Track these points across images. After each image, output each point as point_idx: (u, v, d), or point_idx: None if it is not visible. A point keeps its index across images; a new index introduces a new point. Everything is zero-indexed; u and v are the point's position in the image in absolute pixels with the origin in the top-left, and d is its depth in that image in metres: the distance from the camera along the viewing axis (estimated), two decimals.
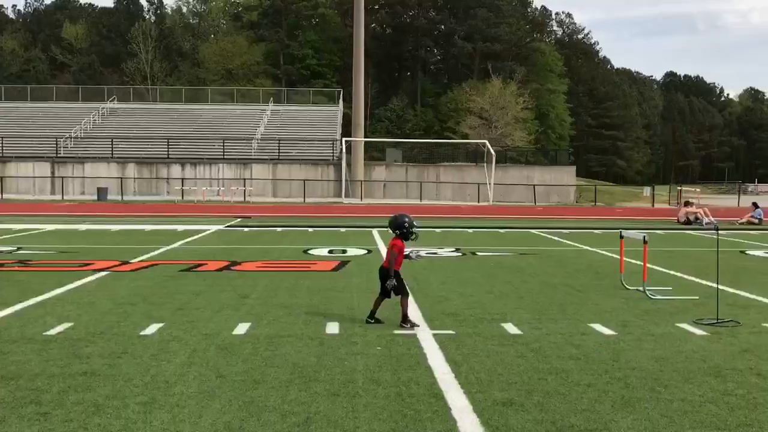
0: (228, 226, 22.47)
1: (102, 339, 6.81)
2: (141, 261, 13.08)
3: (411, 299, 8.92)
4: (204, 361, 6.04)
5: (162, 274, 11.40)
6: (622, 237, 10.93)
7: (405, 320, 7.43)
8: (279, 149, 49.12)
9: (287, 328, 7.40)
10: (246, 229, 21.56)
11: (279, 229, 21.52)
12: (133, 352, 6.30)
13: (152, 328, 7.30)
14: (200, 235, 18.90)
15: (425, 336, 7.06)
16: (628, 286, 10.25)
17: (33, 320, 7.67)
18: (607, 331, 7.39)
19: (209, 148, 50.25)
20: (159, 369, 5.76)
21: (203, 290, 9.75)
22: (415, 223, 7.74)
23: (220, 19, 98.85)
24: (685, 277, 11.70)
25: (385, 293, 7.57)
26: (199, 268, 12.15)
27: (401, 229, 7.63)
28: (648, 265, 10.99)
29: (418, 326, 7.47)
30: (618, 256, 11.32)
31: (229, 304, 8.77)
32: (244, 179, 45.97)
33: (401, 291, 7.49)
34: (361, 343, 6.71)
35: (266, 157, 48.89)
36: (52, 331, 7.11)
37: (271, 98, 63.55)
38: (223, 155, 48.55)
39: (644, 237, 9.84)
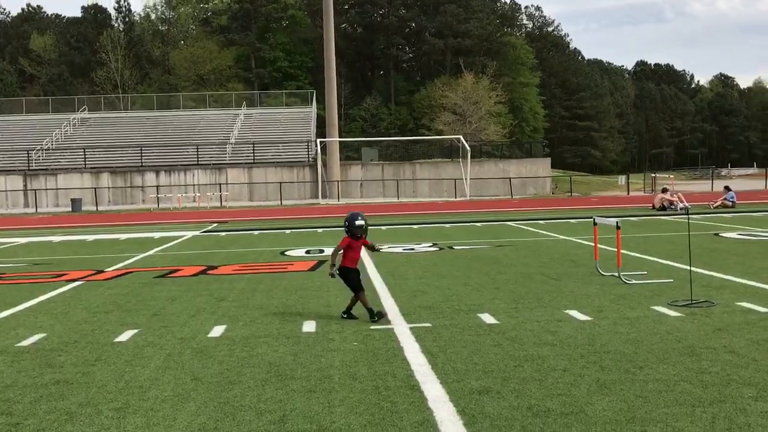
0: (204, 232, 22.33)
1: (75, 348, 6.73)
2: (116, 270, 12.96)
3: (388, 294, 8.96)
4: (179, 364, 5.99)
5: (137, 281, 11.30)
6: (595, 224, 11.00)
7: (371, 315, 7.48)
8: (254, 153, 48.90)
9: (263, 328, 7.36)
10: (223, 233, 21.45)
11: (256, 232, 21.43)
12: (107, 359, 6.23)
13: (127, 335, 7.23)
14: (176, 242, 18.77)
15: (402, 330, 7.05)
16: (603, 273, 10.31)
17: (5, 332, 7.57)
18: (582, 317, 7.42)
19: (183, 155, 49.91)
20: (133, 374, 5.71)
21: (178, 295, 9.68)
22: (357, 221, 7.71)
23: (189, 24, 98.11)
24: (660, 261, 11.79)
25: (354, 290, 7.65)
26: (174, 274, 12.06)
27: (345, 227, 7.78)
28: (623, 251, 11.08)
29: (385, 315, 7.59)
30: (593, 244, 11.39)
31: (205, 308, 8.71)
32: (220, 184, 45.72)
33: (355, 287, 7.61)
34: (337, 340, 6.69)
35: (241, 161, 48.65)
36: (25, 342, 7.02)
37: (244, 102, 63.23)
38: (198, 161, 48.24)
39: (617, 223, 9.91)
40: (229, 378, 5.51)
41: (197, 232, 21.98)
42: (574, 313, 7.62)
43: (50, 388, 5.40)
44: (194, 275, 11.87)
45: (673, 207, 25.83)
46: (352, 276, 7.67)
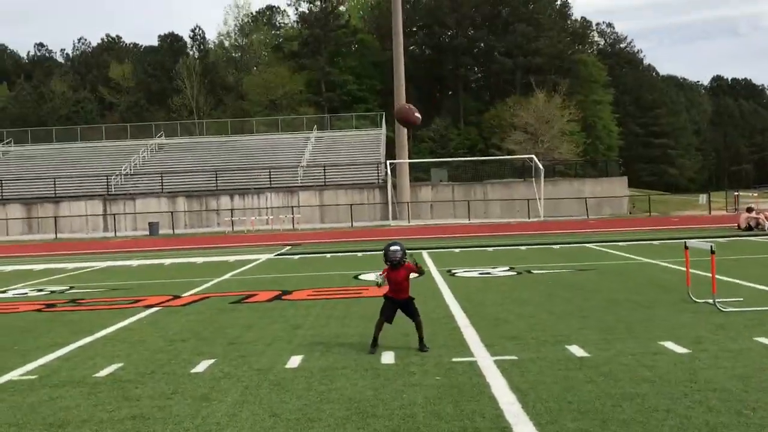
0: (278, 255, 22.37)
1: (152, 379, 6.61)
2: (192, 294, 12.97)
3: (467, 322, 8.67)
4: (257, 398, 5.78)
5: (213, 307, 11.24)
6: (686, 248, 10.40)
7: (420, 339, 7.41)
8: (325, 175, 49.21)
9: (341, 359, 7.11)
10: (296, 256, 21.43)
11: (328, 255, 21.34)
12: (183, 392, 6.08)
13: (203, 365, 7.09)
14: (251, 265, 18.81)
15: (486, 363, 6.69)
16: (696, 299, 9.72)
17: (83, 361, 7.53)
18: (680, 349, 6.93)
19: (256, 178, 50.60)
20: (210, 409, 5.52)
21: (254, 322, 9.55)
22: (392, 250, 7.41)
23: (261, 50, 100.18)
24: (756, 286, 11.09)
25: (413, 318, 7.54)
26: (250, 299, 11.98)
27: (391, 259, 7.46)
28: (717, 276, 10.45)
29: (374, 352, 7.29)
30: (681, 268, 10.79)
31: (281, 336, 8.53)
32: (292, 207, 46.11)
33: (383, 313, 7.51)
34: (418, 373, 6.38)
35: (312, 183, 49.01)
36: (102, 373, 6.95)
37: (315, 125, 63.87)
38: (270, 184, 48.82)
39: (711, 247, 9.32)
40: (309, 415, 5.26)
41: (271, 255, 22.03)
42: (671, 345, 7.12)
43: (126, 423, 5.26)
44: (269, 300, 11.76)
45: (760, 227, 24.66)
46: (385, 306, 7.53)
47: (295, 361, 7.12)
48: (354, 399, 5.63)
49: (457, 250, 21.35)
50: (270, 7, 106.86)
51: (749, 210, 26.79)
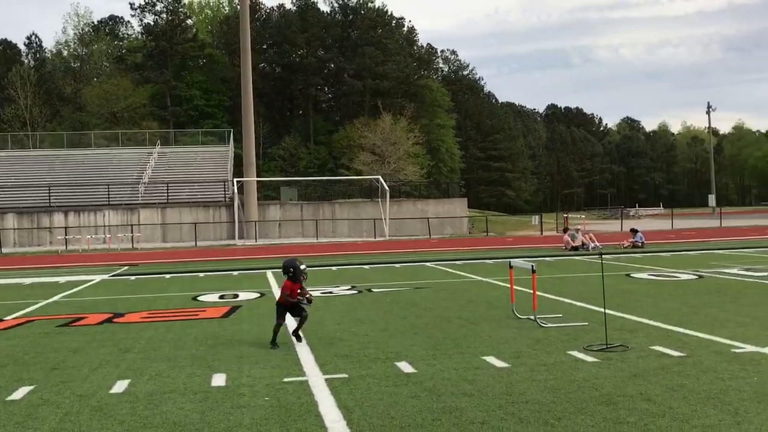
0: (114, 275, 21.47)
1: None
2: (16, 318, 12.21)
3: (303, 342, 8.76)
4: (76, 426, 5.56)
5: (38, 331, 10.65)
6: (511, 267, 11.03)
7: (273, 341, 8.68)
8: (167, 192, 47.77)
9: (170, 382, 6.97)
10: (133, 277, 20.66)
11: (168, 276, 20.72)
12: None
13: (21, 392, 6.72)
14: (83, 287, 17.94)
15: (317, 382, 6.79)
16: (519, 316, 10.32)
17: None
18: (500, 364, 7.34)
19: (94, 194, 48.29)
20: None
21: (81, 346, 9.15)
22: (301, 265, 8.85)
23: (102, 61, 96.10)
24: (575, 303, 11.91)
25: (298, 316, 8.81)
26: (78, 323, 11.44)
27: (287, 272, 8.82)
28: (538, 292, 11.15)
29: (278, 347, 8.52)
30: (509, 285, 11.41)
31: (109, 360, 8.23)
32: (132, 225, 44.34)
33: (279, 317, 8.77)
34: (248, 395, 6.37)
35: (154, 201, 47.40)
36: None
37: (158, 140, 61.95)
38: (109, 201, 46.75)
39: (532, 266, 9.94)
40: None
41: (106, 276, 21.11)
42: (492, 360, 7.53)
43: None
44: (100, 323, 11.29)
45: (585, 247, 26.46)
46: (282, 311, 8.82)
47: (121, 385, 6.90)
48: (179, 423, 5.54)
49: None
50: (113, 17, 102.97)
51: (565, 230, 29.05)
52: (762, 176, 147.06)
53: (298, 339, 8.80)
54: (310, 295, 8.92)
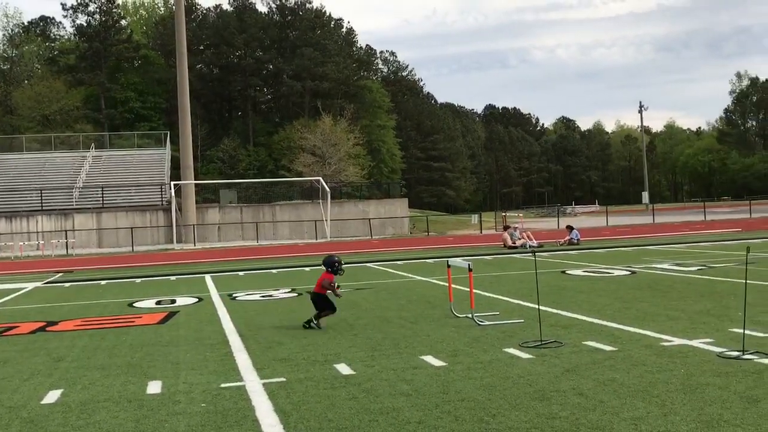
0: (47, 283, 20.91)
1: None
2: None
3: (242, 347, 8.71)
4: None
5: None
6: (449, 266, 11.15)
7: (317, 318, 10.03)
8: (103, 196, 46.75)
9: (104, 391, 6.84)
10: (67, 284, 20.16)
11: (103, 282, 20.30)
12: None
13: None
14: (14, 295, 17.42)
15: (254, 387, 6.75)
16: (458, 314, 10.44)
17: None
18: (437, 363, 7.42)
19: (26, 200, 46.95)
20: None
21: (12, 357, 8.90)
22: (341, 261, 10.37)
23: (33, 63, 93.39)
24: (512, 300, 12.11)
25: (321, 310, 10.04)
26: (9, 332, 11.12)
27: (331, 266, 10.12)
28: (476, 291, 11.32)
29: (323, 328, 9.82)
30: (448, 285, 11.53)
31: (41, 369, 8.03)
32: (66, 231, 43.24)
33: (329, 307, 10.07)
34: (184, 402, 6.30)
35: (89, 205, 46.31)
36: None
37: (93, 143, 60.52)
38: (42, 206, 45.51)
39: (468, 265, 10.08)
40: None
41: (39, 284, 20.54)
42: (430, 359, 7.61)
43: None
44: (32, 332, 10.99)
45: (523, 245, 26.89)
46: (329, 301, 10.10)
47: (53, 396, 6.75)
48: None
49: (242, 273, 21.20)
50: (44, 18, 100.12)
51: (506, 228, 29.47)
52: (693, 173, 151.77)
53: (318, 326, 9.91)
54: (341, 290, 10.41)
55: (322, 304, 10.03)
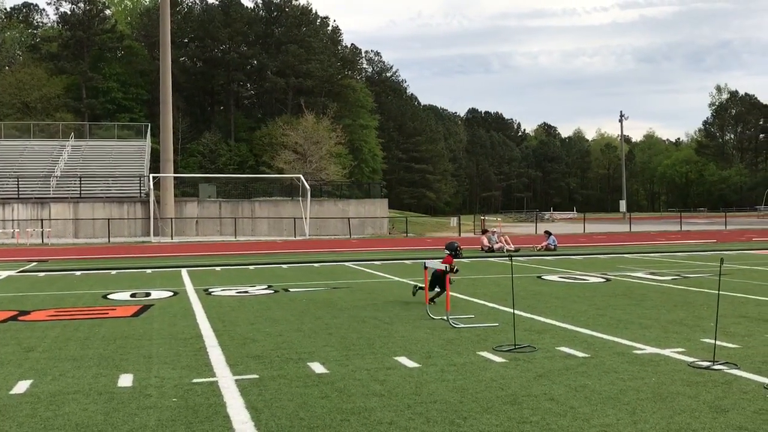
0: (21, 272, 20.69)
1: None
2: None
3: (215, 342, 8.67)
4: None
5: None
6: (425, 267, 11.18)
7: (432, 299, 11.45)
8: (80, 186, 46.32)
9: (75, 383, 6.77)
10: (41, 274, 19.95)
11: (78, 272, 20.11)
12: None
13: None
14: None
15: (227, 383, 6.72)
16: (433, 316, 10.46)
17: None
18: (411, 364, 7.43)
19: (2, 187, 46.43)
20: None
21: None
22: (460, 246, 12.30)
23: (15, 50, 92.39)
24: (487, 304, 12.16)
25: (442, 288, 11.24)
26: None
27: (454, 250, 11.72)
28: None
29: (434, 303, 11.38)
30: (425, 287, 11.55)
31: (11, 359, 7.94)
32: (42, 220, 42.81)
33: (442, 287, 11.18)
34: (155, 396, 6.26)
35: (66, 195, 45.87)
36: None
37: (72, 133, 59.98)
38: (18, 194, 45.02)
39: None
40: None
41: (13, 272, 20.32)
42: (404, 360, 7.62)
43: None
44: (3, 321, 10.87)
45: (501, 249, 27.01)
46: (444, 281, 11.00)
47: (22, 386, 6.67)
48: (81, 424, 5.40)
49: (218, 268, 21.10)
50: (27, 5, 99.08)
51: (485, 232, 29.57)
52: (670, 183, 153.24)
53: (433, 302, 11.38)
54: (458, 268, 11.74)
55: (442, 282, 11.10)
